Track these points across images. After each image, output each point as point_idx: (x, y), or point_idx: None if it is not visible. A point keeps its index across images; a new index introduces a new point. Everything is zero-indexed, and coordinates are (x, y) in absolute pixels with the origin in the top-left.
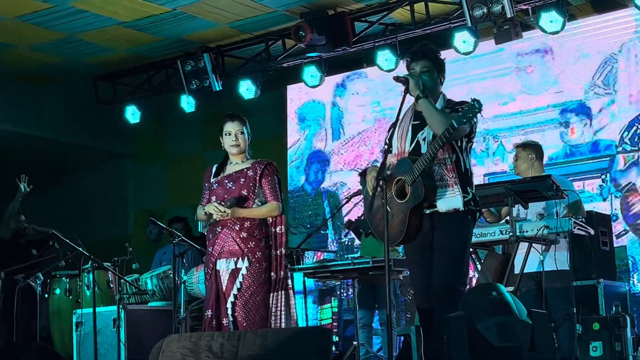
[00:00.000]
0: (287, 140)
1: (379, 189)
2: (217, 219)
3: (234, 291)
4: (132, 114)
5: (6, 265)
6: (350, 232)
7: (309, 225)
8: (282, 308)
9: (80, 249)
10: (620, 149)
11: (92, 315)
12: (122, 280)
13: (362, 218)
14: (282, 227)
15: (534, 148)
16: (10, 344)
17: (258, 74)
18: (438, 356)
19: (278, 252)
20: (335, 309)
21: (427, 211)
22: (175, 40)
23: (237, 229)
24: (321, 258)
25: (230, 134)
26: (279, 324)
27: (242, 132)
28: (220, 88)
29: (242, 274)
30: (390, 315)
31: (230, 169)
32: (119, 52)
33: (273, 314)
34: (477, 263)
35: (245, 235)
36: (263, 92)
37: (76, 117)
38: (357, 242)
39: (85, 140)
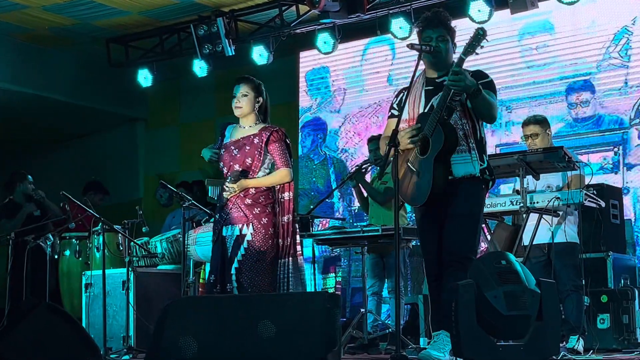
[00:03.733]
0: (299, 107)
1: (390, 157)
2: (228, 197)
3: (238, 257)
4: (145, 78)
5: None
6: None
7: (313, 193)
8: (290, 275)
9: (91, 211)
10: (636, 121)
11: (102, 277)
12: (131, 243)
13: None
14: (290, 193)
15: (546, 121)
16: (19, 303)
17: (271, 39)
18: (446, 324)
19: (285, 218)
20: (339, 278)
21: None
22: (189, 3)
23: (242, 195)
24: (327, 226)
25: (235, 97)
26: (286, 291)
27: (245, 95)
28: (233, 53)
29: (247, 240)
30: (399, 284)
31: (238, 134)
32: (132, 14)
33: (281, 280)
34: (487, 233)
35: (250, 202)
36: (276, 58)
37: (88, 79)
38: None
39: (97, 103)
